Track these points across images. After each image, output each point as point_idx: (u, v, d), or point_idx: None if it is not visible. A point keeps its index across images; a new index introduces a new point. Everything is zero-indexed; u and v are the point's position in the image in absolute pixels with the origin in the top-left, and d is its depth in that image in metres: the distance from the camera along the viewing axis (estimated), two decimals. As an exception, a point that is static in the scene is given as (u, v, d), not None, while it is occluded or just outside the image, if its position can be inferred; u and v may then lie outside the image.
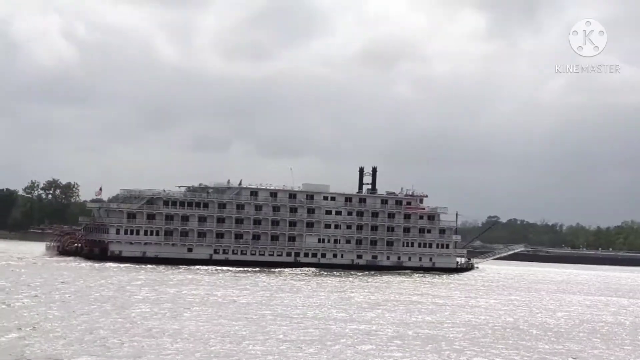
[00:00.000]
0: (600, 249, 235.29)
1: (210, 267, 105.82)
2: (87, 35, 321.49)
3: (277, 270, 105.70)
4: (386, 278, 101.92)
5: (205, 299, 62.16)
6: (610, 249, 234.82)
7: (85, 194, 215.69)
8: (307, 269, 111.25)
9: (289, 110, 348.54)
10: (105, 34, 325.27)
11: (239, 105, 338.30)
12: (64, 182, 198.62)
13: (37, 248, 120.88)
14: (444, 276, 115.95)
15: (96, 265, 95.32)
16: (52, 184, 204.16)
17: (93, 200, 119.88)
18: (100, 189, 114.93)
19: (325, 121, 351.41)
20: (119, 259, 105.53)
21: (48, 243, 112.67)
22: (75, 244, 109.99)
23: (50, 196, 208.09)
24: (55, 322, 44.77)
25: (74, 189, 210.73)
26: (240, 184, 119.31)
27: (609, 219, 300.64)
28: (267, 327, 47.18)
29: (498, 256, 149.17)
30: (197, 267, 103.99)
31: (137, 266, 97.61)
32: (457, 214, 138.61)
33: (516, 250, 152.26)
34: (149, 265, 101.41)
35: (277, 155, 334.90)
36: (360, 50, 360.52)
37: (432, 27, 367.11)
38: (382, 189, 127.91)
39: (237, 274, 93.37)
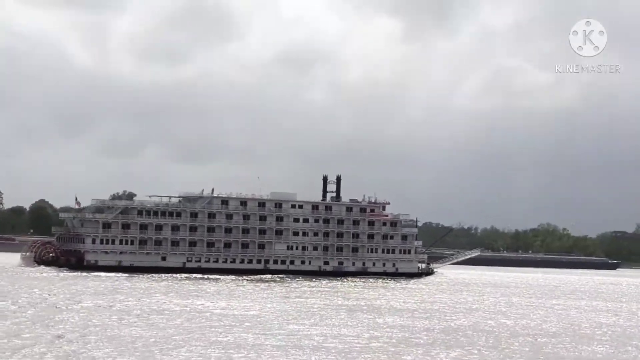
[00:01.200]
0: (520, 251, 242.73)
1: (182, 274, 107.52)
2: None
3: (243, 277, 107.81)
4: (335, 283, 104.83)
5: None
6: (530, 252, 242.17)
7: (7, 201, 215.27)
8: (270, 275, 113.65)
9: (203, 115, 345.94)
10: (14, 38, 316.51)
11: (153, 109, 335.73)
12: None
13: (6, 259, 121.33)
14: (404, 281, 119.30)
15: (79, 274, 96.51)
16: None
17: (64, 210, 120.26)
18: (77, 200, 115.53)
19: (240, 125, 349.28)
20: (95, 268, 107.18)
21: (23, 253, 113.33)
22: (51, 254, 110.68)
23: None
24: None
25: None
26: (212, 192, 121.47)
27: (523, 221, 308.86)
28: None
29: (455, 261, 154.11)
30: (170, 275, 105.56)
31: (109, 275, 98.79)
32: (416, 220, 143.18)
33: (473, 255, 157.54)
34: (124, 274, 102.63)
35: (190, 160, 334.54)
36: (277, 53, 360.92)
37: (348, 31, 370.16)
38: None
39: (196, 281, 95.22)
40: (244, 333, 48.02)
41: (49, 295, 67.75)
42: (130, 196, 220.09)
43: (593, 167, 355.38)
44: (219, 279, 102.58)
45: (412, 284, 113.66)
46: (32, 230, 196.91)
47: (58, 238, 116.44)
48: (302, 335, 47.93)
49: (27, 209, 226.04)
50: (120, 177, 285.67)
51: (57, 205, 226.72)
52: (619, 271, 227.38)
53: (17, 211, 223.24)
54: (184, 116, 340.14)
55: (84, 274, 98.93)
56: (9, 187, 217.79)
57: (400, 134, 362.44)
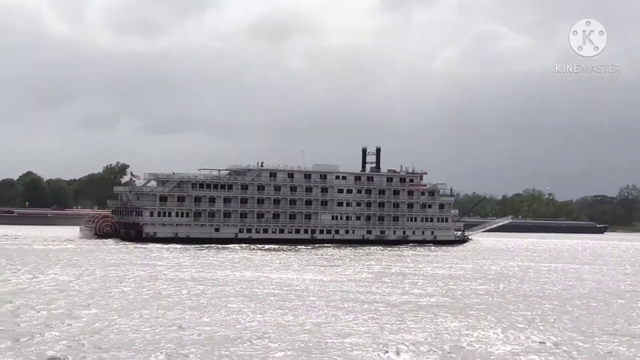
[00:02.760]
0: (520, 217, 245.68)
1: (236, 245, 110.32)
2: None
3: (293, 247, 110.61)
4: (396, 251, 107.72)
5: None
6: (520, 217, 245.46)
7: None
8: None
9: (180, 86, 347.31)
10: None
11: (129, 81, 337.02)
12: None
13: (57, 232, 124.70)
14: (444, 248, 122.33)
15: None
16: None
17: (123, 184, 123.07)
18: (132, 174, 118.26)
19: (217, 96, 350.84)
20: (154, 239, 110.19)
21: (81, 226, 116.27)
22: (110, 227, 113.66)
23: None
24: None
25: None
26: (261, 165, 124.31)
27: (503, 188, 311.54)
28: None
29: (488, 228, 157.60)
30: (225, 245, 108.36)
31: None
32: (451, 189, 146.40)
33: (505, 222, 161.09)
34: (181, 245, 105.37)
35: (167, 131, 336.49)
36: (253, 23, 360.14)
37: (326, 1, 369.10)
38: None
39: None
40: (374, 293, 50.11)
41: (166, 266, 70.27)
42: (123, 167, 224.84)
43: (570, 134, 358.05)
44: (299, 249, 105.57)
45: (457, 250, 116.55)
46: (27, 203, 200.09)
47: (114, 211, 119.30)
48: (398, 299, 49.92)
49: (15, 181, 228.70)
50: (99, 149, 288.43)
51: (45, 177, 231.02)
52: (607, 235, 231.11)
53: (8, 183, 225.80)
54: (161, 87, 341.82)
55: (148, 245, 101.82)
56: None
57: (378, 103, 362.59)
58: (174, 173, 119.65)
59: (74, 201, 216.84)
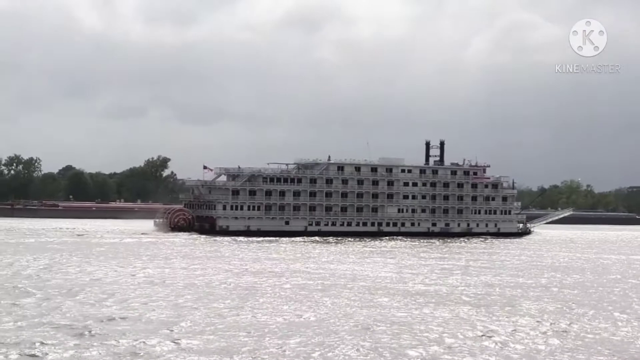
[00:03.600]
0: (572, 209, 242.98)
1: (306, 237, 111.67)
2: (2, 2, 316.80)
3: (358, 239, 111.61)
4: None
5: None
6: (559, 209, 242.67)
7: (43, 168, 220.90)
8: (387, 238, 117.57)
9: (211, 77, 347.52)
10: (21, 1, 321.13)
11: (160, 72, 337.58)
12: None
13: (130, 225, 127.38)
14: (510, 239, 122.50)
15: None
16: (14, 160, 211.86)
17: (193, 179, 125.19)
18: (206, 167, 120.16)
19: (248, 87, 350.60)
20: (227, 232, 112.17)
21: (156, 220, 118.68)
22: (184, 220, 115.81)
23: (12, 171, 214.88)
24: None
25: (36, 164, 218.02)
26: (328, 159, 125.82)
27: (537, 179, 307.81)
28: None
29: (549, 220, 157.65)
30: (295, 238, 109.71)
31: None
32: (513, 182, 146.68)
33: (566, 214, 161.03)
34: (259, 238, 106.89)
35: (197, 121, 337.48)
36: (285, 14, 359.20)
37: None
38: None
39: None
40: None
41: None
42: (164, 161, 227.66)
43: (604, 125, 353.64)
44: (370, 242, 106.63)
45: (525, 243, 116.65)
46: (71, 196, 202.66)
47: (186, 205, 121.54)
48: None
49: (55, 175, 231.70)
50: (126, 140, 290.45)
51: (79, 167, 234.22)
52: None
53: (50, 177, 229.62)
54: (191, 79, 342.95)
55: (227, 238, 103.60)
56: (14, 150, 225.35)
57: (406, 94, 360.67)
58: (239, 167, 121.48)
59: (117, 194, 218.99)
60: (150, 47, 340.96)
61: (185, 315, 35.84)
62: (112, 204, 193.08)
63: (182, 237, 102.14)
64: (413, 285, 50.94)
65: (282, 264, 65.63)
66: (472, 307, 41.12)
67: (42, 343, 29.07)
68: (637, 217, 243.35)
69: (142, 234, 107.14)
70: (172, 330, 32.20)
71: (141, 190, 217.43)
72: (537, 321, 37.33)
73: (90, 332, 31.47)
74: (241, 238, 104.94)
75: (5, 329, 31.57)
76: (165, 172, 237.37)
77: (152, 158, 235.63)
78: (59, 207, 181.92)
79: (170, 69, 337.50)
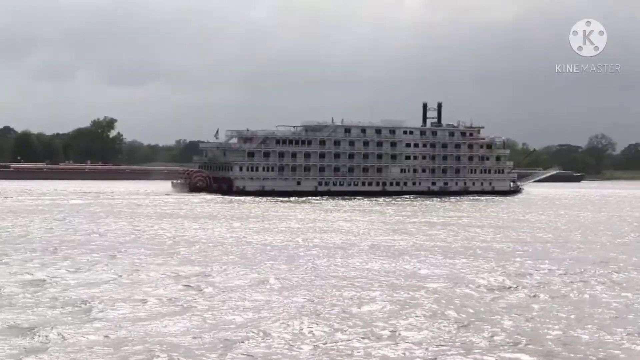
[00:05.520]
0: None
1: (318, 197, 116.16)
2: None
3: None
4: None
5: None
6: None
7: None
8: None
9: (139, 37, 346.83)
10: None
11: (87, 32, 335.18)
12: None
13: (143, 187, 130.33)
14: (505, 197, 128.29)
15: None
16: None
17: (207, 142, 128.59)
18: (218, 132, 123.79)
19: (178, 47, 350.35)
20: (243, 192, 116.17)
21: (174, 181, 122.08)
22: (202, 181, 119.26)
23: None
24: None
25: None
26: (332, 121, 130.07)
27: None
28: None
29: (537, 179, 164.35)
30: (308, 197, 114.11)
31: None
32: (504, 142, 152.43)
33: (553, 173, 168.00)
34: (272, 198, 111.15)
35: (125, 82, 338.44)
36: None
37: None
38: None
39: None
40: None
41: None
42: (111, 122, 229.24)
43: (534, 82, 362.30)
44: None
45: (518, 201, 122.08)
46: (19, 157, 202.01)
47: (200, 167, 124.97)
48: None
49: None
50: (56, 101, 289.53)
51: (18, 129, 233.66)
52: (585, 183, 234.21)
53: None
54: (118, 39, 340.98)
55: (248, 198, 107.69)
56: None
57: (344, 52, 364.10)
58: (247, 130, 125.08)
59: (65, 155, 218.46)
60: (82, 6, 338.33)
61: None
62: (66, 166, 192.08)
63: (209, 197, 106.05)
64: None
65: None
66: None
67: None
68: (575, 174, 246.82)
69: (166, 194, 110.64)
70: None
71: (88, 151, 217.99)
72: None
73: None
74: (258, 198, 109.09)
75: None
76: (112, 133, 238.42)
77: (98, 119, 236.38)
78: (10, 169, 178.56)
79: (102, 28, 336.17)
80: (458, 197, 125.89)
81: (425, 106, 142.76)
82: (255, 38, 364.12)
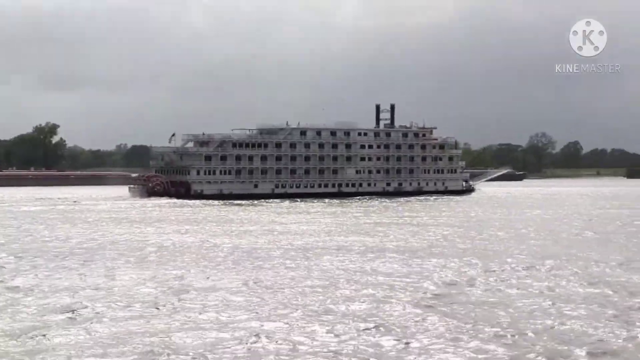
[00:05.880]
0: None
1: (274, 200, 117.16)
2: None
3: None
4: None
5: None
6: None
7: None
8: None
9: (76, 42, 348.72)
10: None
11: (22, 37, 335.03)
12: None
13: (98, 192, 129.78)
14: (457, 197, 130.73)
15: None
16: None
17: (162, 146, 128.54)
18: (173, 136, 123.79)
19: (115, 52, 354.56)
20: (202, 196, 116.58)
21: (131, 186, 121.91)
22: (159, 185, 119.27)
23: None
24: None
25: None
26: (287, 124, 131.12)
27: None
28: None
29: (488, 178, 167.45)
30: (262, 200, 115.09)
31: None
32: (456, 142, 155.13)
33: (504, 172, 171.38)
34: (227, 201, 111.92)
35: (60, 88, 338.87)
36: None
37: None
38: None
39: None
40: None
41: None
42: (53, 127, 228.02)
43: (470, 82, 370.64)
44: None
45: (472, 200, 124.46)
46: None
47: (157, 171, 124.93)
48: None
49: None
50: None
51: None
52: (527, 182, 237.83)
53: None
54: (55, 44, 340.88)
55: (203, 202, 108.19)
56: None
57: (276, 54, 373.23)
58: (203, 134, 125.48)
59: (6, 162, 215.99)
60: (12, 12, 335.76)
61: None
62: (9, 172, 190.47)
63: (167, 202, 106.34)
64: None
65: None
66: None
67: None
68: (517, 173, 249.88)
69: (119, 198, 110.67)
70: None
71: (30, 157, 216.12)
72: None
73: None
74: (215, 202, 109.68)
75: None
76: (55, 139, 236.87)
77: (40, 125, 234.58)
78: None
79: (36, 34, 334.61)
80: (413, 197, 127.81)
81: (378, 108, 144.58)
82: (191, 42, 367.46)
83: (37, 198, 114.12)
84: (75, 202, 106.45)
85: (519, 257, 43.52)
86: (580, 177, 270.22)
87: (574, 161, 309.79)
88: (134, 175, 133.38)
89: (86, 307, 28.32)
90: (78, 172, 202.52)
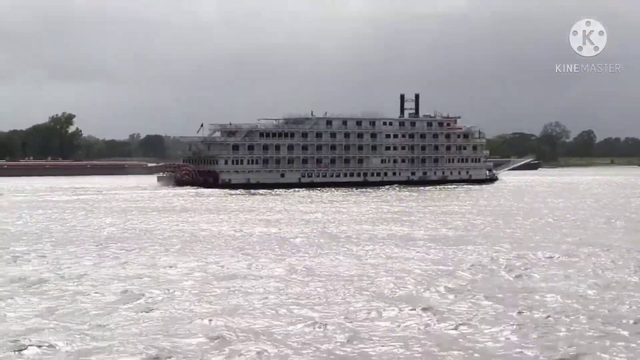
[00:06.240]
0: None
1: (300, 189, 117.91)
2: None
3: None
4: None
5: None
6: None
7: None
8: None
9: (82, 34, 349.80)
10: None
11: (28, 31, 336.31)
12: None
13: (121, 182, 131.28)
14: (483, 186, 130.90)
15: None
16: None
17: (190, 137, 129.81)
18: (202, 126, 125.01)
19: (121, 44, 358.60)
20: (229, 186, 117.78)
21: (160, 175, 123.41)
22: (188, 175, 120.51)
23: None
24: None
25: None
26: (312, 114, 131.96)
27: None
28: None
29: (512, 167, 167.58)
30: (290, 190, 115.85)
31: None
32: (479, 132, 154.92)
33: (527, 161, 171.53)
34: (255, 190, 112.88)
35: (70, 78, 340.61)
36: None
37: None
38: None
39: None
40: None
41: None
42: (69, 117, 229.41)
43: (482, 72, 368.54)
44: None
45: (495, 189, 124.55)
46: None
47: (185, 161, 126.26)
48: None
49: None
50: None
51: None
52: (542, 171, 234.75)
53: None
54: (61, 36, 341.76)
55: (237, 191, 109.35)
56: None
57: (285, 46, 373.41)
58: (230, 124, 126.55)
59: (22, 152, 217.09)
60: (26, 4, 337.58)
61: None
62: (27, 162, 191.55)
63: (197, 191, 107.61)
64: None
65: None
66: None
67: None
68: (532, 162, 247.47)
69: (154, 188, 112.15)
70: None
71: (46, 147, 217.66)
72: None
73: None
74: (243, 191, 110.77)
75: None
76: (71, 129, 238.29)
77: (57, 115, 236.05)
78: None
79: (41, 26, 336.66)
80: (438, 186, 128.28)
81: (402, 97, 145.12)
82: (199, 33, 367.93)
83: (75, 187, 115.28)
84: (99, 192, 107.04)
85: (554, 245, 44.20)
86: (594, 166, 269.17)
87: (587, 150, 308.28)
88: (157, 165, 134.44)
89: (142, 294, 29.31)
90: (96, 162, 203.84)
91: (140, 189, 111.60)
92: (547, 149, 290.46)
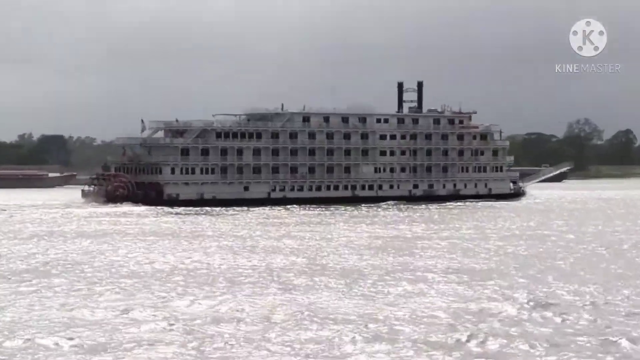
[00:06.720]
0: None
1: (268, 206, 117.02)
2: None
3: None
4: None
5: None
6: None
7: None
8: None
9: None
10: None
11: None
12: None
13: (42, 196, 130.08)
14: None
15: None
16: None
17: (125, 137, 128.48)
18: (143, 122, 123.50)
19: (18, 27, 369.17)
20: (176, 202, 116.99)
21: (85, 188, 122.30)
22: (123, 188, 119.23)
23: None
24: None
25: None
26: (282, 108, 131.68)
27: None
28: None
29: (542, 178, 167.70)
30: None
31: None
32: (500, 132, 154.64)
33: (563, 170, 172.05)
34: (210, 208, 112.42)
35: None
36: None
37: None
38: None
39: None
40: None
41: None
42: None
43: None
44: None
45: (525, 208, 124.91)
46: None
47: (117, 169, 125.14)
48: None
49: None
50: None
51: None
52: (567, 183, 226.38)
53: None
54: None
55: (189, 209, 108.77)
56: None
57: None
58: (177, 120, 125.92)
59: None
60: None
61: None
62: None
63: (130, 210, 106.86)
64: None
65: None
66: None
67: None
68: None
69: (73, 206, 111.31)
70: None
71: None
72: None
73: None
74: (191, 208, 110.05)
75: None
76: None
77: None
78: None
79: None
80: (449, 203, 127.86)
81: (400, 86, 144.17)
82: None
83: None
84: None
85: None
86: (634, 177, 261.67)
87: (622, 156, 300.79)
88: (61, 175, 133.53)
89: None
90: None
91: (49, 208, 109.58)
92: (573, 153, 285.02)
